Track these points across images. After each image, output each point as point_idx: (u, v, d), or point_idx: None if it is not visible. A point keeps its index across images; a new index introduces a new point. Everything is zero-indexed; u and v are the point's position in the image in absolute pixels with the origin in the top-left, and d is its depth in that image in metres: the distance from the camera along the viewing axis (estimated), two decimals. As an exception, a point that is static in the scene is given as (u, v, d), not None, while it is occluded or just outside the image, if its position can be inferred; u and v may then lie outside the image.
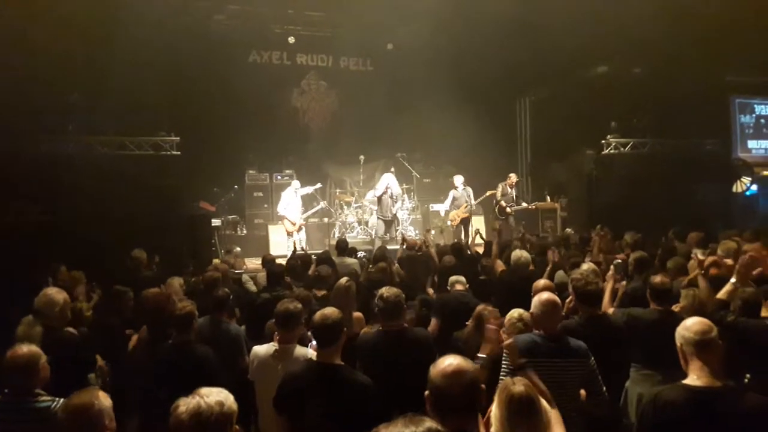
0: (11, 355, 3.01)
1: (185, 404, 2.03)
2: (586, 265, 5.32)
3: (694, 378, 2.64)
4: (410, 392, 2.49)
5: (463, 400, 2.01)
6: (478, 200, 12.11)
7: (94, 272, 6.47)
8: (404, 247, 8.18)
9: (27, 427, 2.86)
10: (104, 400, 2.46)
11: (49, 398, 2.97)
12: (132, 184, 9.46)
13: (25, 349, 3.04)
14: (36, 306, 4.24)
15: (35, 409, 2.92)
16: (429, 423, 1.59)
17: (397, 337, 3.76)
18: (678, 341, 2.74)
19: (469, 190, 11.92)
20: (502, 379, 3.24)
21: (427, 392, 2.07)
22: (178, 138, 10.89)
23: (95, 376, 4.23)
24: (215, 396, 2.06)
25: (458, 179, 11.99)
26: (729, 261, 4.83)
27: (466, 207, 11.73)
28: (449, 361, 2.08)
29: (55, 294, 4.27)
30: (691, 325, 2.74)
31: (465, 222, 11.86)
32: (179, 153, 10.82)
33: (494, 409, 2.36)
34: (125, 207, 8.89)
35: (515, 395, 2.34)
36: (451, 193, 12.04)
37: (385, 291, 3.84)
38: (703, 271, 4.39)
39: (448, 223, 12.21)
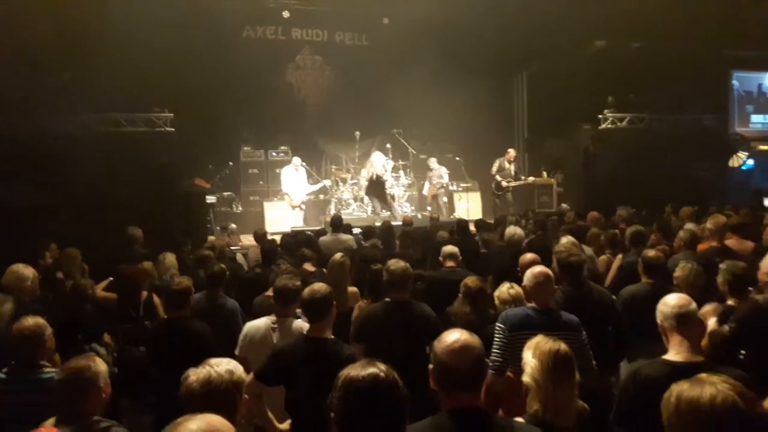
0: (17, 327, 3.06)
1: (195, 374, 2.04)
2: (566, 239, 5.37)
3: (674, 353, 2.65)
4: (411, 363, 2.49)
5: (470, 375, 1.99)
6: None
7: (88, 250, 6.45)
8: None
9: (32, 398, 2.90)
10: (100, 364, 2.57)
11: (53, 369, 3.01)
12: (126, 161, 9.41)
13: (31, 321, 3.08)
14: (4, 282, 4.30)
15: (40, 380, 2.97)
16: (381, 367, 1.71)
17: (402, 309, 3.79)
18: (658, 318, 2.75)
19: (443, 169, 12.85)
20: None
21: (431, 366, 2.05)
22: (172, 114, 10.81)
23: (106, 353, 4.28)
24: (225, 365, 2.09)
25: (432, 160, 13.11)
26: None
27: (435, 185, 12.80)
28: (455, 336, 2.03)
29: (23, 269, 4.38)
30: (669, 300, 2.75)
31: (435, 198, 12.89)
32: (173, 129, 10.75)
33: (533, 362, 2.40)
34: (119, 184, 8.85)
35: (561, 351, 2.40)
36: (428, 174, 13.05)
37: (392, 264, 3.88)
38: None
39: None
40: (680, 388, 1.64)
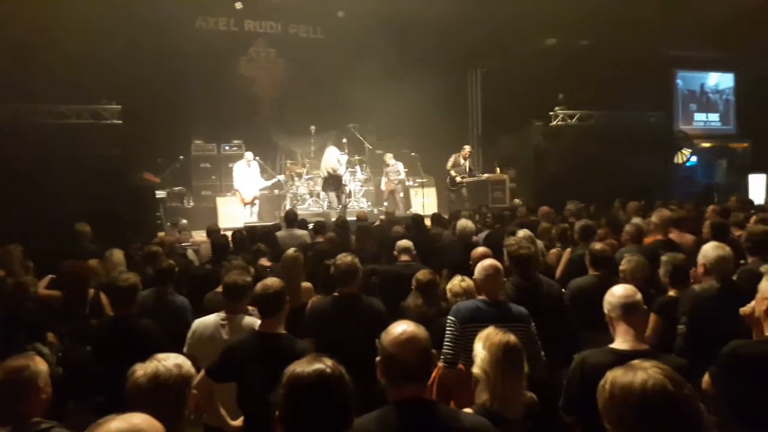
0: None
1: (142, 369, 1.99)
2: (522, 232, 5.47)
3: (620, 342, 2.72)
4: (360, 357, 2.49)
5: (416, 367, 1.99)
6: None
7: (34, 247, 6.21)
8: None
9: None
10: (40, 364, 2.49)
11: None
12: (71, 154, 9.10)
13: None
14: None
15: None
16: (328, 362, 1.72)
17: (349, 303, 3.80)
18: (605, 308, 2.82)
19: (400, 164, 13.03)
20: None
21: (378, 359, 2.04)
22: (120, 106, 10.50)
23: (50, 352, 4.13)
24: (173, 359, 2.04)
25: (388, 156, 13.19)
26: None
27: (392, 180, 13.00)
28: (402, 328, 2.04)
29: None
30: (616, 291, 2.82)
31: (392, 193, 13.05)
32: (121, 122, 10.44)
33: (482, 353, 2.43)
34: (64, 179, 8.55)
35: (510, 343, 2.44)
36: (385, 170, 13.20)
37: (340, 258, 3.89)
38: None
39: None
40: (614, 375, 1.69)
